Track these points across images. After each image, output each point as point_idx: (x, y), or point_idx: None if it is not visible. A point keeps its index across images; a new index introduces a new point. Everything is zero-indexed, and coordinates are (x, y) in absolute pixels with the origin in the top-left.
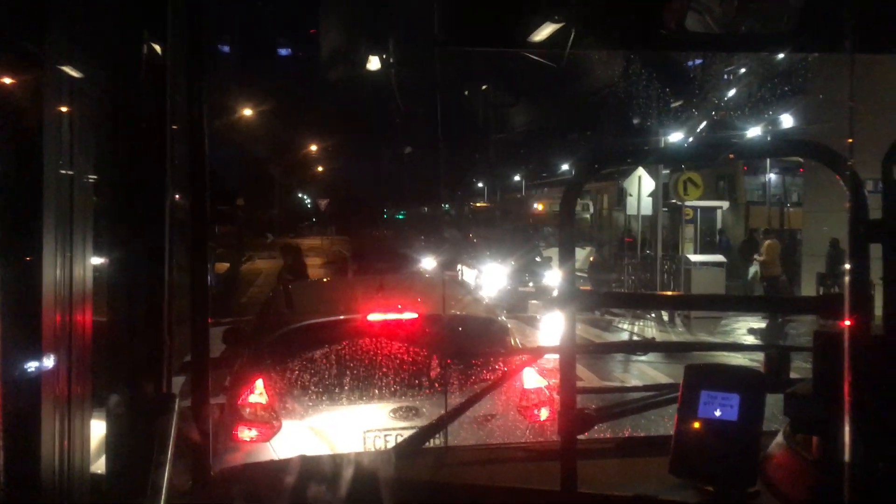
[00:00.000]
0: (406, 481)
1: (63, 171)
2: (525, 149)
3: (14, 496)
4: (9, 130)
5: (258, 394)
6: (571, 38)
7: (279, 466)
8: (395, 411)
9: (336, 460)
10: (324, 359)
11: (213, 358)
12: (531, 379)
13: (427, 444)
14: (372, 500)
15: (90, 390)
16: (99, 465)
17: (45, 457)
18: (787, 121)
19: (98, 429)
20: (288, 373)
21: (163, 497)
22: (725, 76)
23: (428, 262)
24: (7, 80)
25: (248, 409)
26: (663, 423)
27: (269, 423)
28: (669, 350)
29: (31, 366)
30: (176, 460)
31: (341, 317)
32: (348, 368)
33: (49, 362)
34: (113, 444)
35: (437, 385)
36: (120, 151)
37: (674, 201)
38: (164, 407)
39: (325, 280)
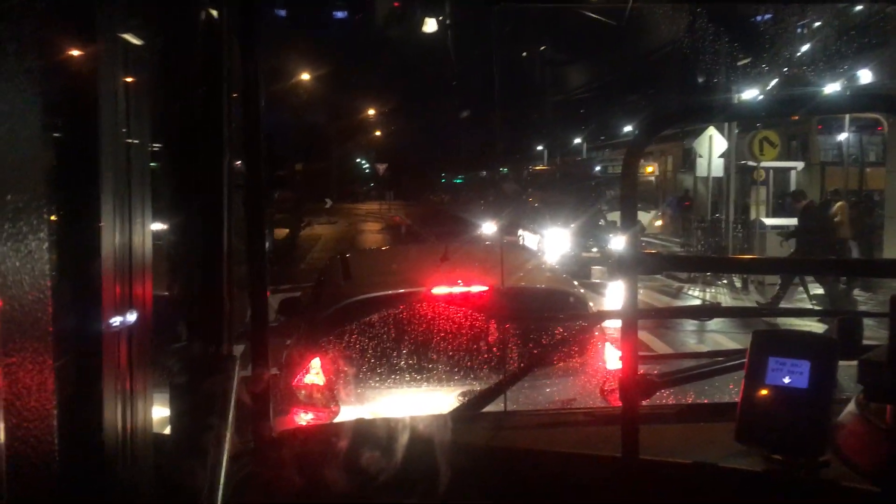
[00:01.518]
0: (463, 445)
1: (120, 138)
2: (585, 110)
3: (77, 457)
4: (66, 98)
5: (314, 374)
6: None
7: (338, 429)
8: (463, 395)
9: (393, 424)
10: (384, 337)
11: (271, 327)
12: (615, 360)
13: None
14: (429, 463)
15: (151, 354)
16: (162, 429)
17: (108, 419)
18: (865, 76)
19: (160, 394)
20: (346, 352)
21: (224, 457)
22: (798, 30)
23: (488, 228)
24: (63, 48)
25: (303, 392)
26: (728, 390)
27: (326, 406)
28: (735, 315)
29: (93, 331)
30: (237, 423)
31: (402, 290)
32: (411, 347)
33: (110, 327)
34: (175, 406)
35: (512, 364)
36: (177, 117)
37: (744, 162)
38: (225, 368)
39: (384, 249)
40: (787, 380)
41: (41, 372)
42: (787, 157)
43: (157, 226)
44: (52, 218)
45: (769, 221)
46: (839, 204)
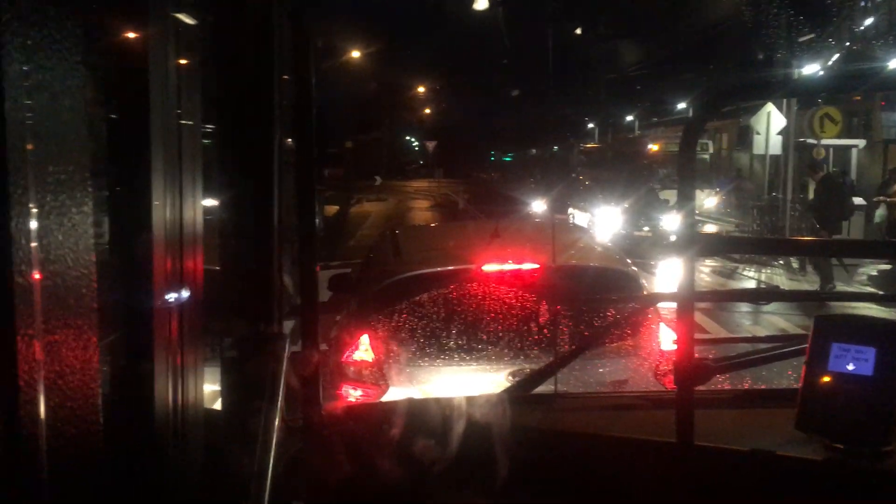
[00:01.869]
0: (514, 427)
1: (172, 116)
2: (639, 86)
3: (127, 433)
4: (117, 76)
5: (363, 350)
6: None
7: (388, 407)
8: (514, 374)
9: (444, 404)
10: (434, 314)
11: (321, 303)
12: (669, 341)
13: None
14: (479, 443)
15: (201, 331)
16: (212, 404)
17: (159, 395)
18: None
19: (211, 371)
20: (395, 329)
21: (274, 434)
22: (862, 3)
23: (538, 206)
24: (115, 26)
25: (352, 368)
26: (786, 376)
27: (374, 383)
28: (795, 299)
29: (144, 307)
30: (286, 400)
31: (452, 267)
32: (461, 325)
33: (161, 303)
34: (226, 382)
35: (563, 345)
36: (228, 95)
37: (803, 139)
38: (275, 345)
39: (433, 225)
40: (851, 366)
41: (86, 349)
42: (848, 134)
43: (208, 201)
44: (102, 193)
45: None
46: None
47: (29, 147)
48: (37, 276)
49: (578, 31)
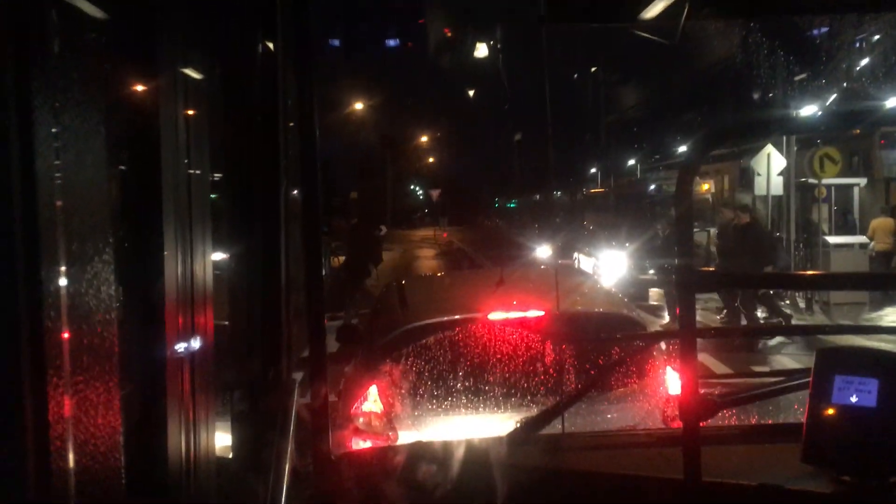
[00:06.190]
0: (521, 467)
1: (181, 169)
2: (639, 129)
3: (143, 477)
4: (129, 130)
5: (372, 401)
6: (686, 10)
7: (396, 451)
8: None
9: (451, 446)
10: (442, 364)
11: (329, 354)
12: (676, 385)
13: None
14: (487, 485)
15: (212, 379)
16: (225, 453)
17: (172, 445)
18: None
19: (222, 424)
20: (403, 379)
21: (285, 478)
22: (857, 44)
23: (543, 251)
24: (126, 82)
25: (361, 419)
26: (793, 410)
27: (384, 434)
28: (798, 333)
29: (157, 358)
30: (297, 445)
31: (458, 317)
32: (469, 374)
33: (173, 354)
34: (237, 430)
35: (570, 386)
36: (235, 148)
37: (804, 179)
38: (285, 391)
39: (438, 275)
40: (854, 398)
41: (109, 400)
42: (849, 173)
43: (217, 256)
44: (119, 245)
45: (833, 240)
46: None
47: (58, 204)
48: (66, 334)
49: (575, 76)
